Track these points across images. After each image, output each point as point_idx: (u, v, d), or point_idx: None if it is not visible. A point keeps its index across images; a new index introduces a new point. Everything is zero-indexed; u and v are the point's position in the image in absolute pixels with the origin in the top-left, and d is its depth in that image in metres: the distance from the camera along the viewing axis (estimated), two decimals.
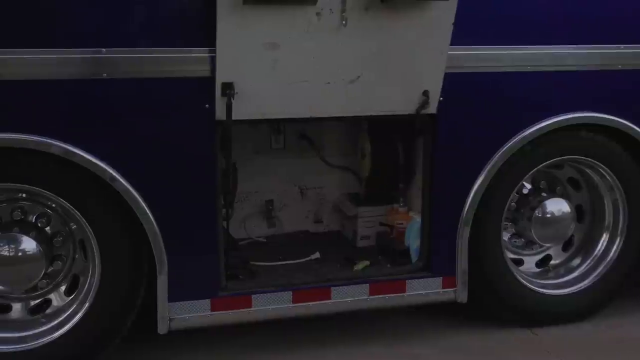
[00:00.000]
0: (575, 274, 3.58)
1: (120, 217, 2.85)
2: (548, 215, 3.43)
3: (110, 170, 2.76)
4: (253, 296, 3.05)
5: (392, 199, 3.52)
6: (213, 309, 3.01)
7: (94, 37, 2.67)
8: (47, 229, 2.98)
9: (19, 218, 2.93)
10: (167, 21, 2.72)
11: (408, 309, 3.32)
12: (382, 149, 3.44)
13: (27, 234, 2.86)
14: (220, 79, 2.73)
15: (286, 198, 3.64)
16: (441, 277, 3.23)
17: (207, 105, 2.81)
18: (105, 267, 2.90)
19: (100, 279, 2.91)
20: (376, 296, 3.16)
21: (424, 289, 3.22)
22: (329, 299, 3.11)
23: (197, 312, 2.97)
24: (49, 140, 2.68)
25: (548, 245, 3.58)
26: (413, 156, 3.36)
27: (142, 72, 2.71)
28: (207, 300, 2.99)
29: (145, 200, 2.82)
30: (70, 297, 3.02)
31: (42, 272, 2.88)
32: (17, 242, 2.83)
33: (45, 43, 2.63)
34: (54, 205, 2.93)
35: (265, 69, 2.75)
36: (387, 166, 3.44)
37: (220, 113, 2.79)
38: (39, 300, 3.04)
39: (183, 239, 2.93)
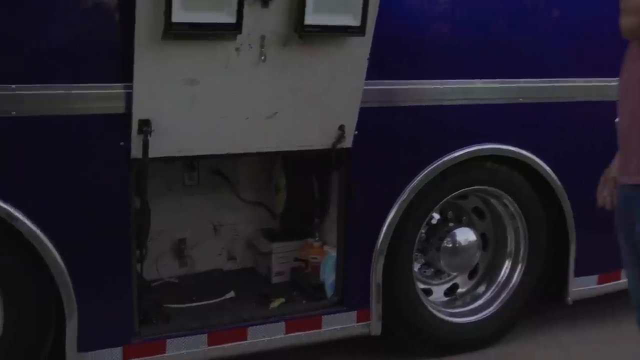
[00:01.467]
0: (481, 301, 3.68)
1: (26, 258, 2.68)
2: (456, 245, 3.54)
3: (11, 209, 2.59)
4: (167, 341, 2.93)
5: (306, 233, 3.51)
6: (126, 357, 2.86)
7: (3, 73, 2.52)
8: None
9: None
10: (81, 56, 2.60)
11: (327, 345, 3.30)
12: (297, 183, 3.43)
13: None
14: (137, 115, 2.64)
15: (199, 236, 3.55)
16: (356, 311, 3.23)
17: (122, 143, 2.70)
18: (9, 313, 2.70)
19: (2, 326, 2.71)
20: (292, 334, 3.12)
21: (339, 324, 3.21)
22: (245, 339, 3.04)
23: None
24: None
25: (455, 274, 3.68)
26: (328, 190, 3.37)
27: (53, 109, 2.58)
28: (119, 348, 2.85)
29: (52, 240, 2.66)
30: None
31: None
32: None
33: None
34: None
35: (183, 105, 2.69)
36: (302, 200, 3.44)
37: (136, 151, 2.69)
38: None
39: (94, 282, 2.78)
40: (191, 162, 3.39)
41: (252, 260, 3.71)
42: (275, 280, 3.52)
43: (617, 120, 3.32)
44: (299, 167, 3.39)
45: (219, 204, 3.54)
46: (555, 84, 3.48)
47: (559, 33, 3.45)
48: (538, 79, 3.44)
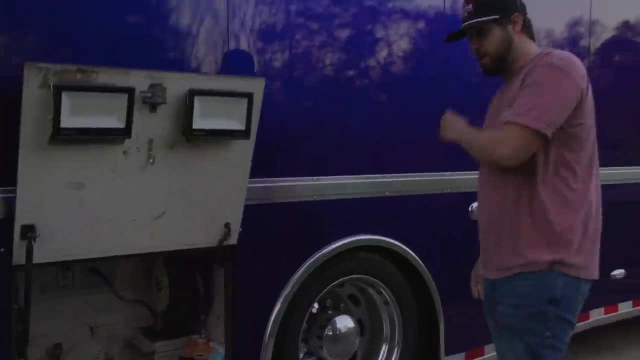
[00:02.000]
0: None
1: None
2: (337, 332, 3.66)
3: None
4: None
5: (189, 330, 3.49)
6: None
7: None
8: None
9: None
10: None
11: None
12: (181, 281, 3.42)
13: None
14: (20, 221, 2.58)
15: (75, 339, 3.42)
16: None
17: (2, 249, 2.62)
18: None
19: None
20: None
21: None
22: None
23: None
24: None
25: None
26: (212, 286, 3.40)
27: None
28: None
29: None
30: None
31: None
32: None
33: None
34: None
35: (70, 209, 2.66)
36: (186, 297, 3.43)
37: (18, 257, 2.61)
38: None
39: None
40: (66, 262, 3.28)
41: None
42: None
43: (471, 209, 3.68)
44: (183, 264, 3.39)
45: (96, 304, 3.44)
46: (415, 178, 3.77)
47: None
48: (401, 174, 3.71)
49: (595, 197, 2.55)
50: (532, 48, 2.63)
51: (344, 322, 3.69)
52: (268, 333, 3.27)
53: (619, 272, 4.74)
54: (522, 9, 2.65)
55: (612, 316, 4.76)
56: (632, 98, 4.81)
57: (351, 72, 3.58)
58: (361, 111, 3.59)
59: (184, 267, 3.41)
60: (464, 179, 3.77)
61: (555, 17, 4.38)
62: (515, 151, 2.41)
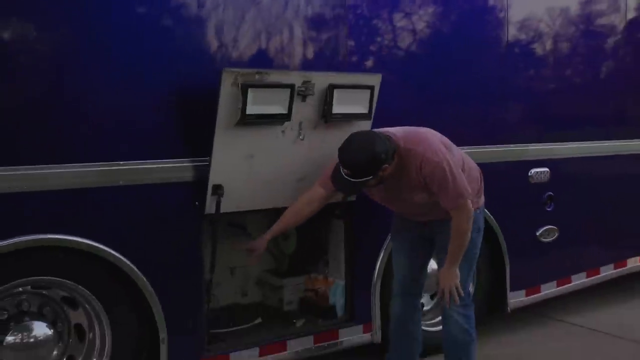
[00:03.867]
0: None
1: None
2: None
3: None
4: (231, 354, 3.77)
5: (309, 271, 4.44)
6: None
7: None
8: None
9: None
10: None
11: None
12: (304, 231, 4.31)
13: None
14: (212, 181, 3.53)
15: (218, 278, 4.33)
16: (362, 325, 4.22)
17: (197, 203, 3.58)
18: None
19: None
20: (319, 344, 4.08)
21: (351, 335, 4.19)
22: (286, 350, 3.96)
23: None
24: None
25: None
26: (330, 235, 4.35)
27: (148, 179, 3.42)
28: None
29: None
30: None
31: None
32: None
33: None
34: None
35: (244, 173, 3.64)
36: (309, 244, 4.39)
37: (209, 208, 3.58)
38: None
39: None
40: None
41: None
42: (286, 308, 4.41)
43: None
44: None
45: (237, 251, 4.27)
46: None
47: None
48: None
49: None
50: (401, 153, 3.45)
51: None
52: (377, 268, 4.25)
53: None
54: (391, 158, 3.41)
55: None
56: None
57: None
58: None
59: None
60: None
61: None
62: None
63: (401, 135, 3.50)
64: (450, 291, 3.62)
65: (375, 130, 3.58)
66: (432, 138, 3.55)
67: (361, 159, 3.33)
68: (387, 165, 3.40)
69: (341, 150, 3.39)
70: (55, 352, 3.43)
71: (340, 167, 3.38)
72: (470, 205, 3.53)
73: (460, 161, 3.68)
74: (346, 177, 3.36)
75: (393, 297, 3.98)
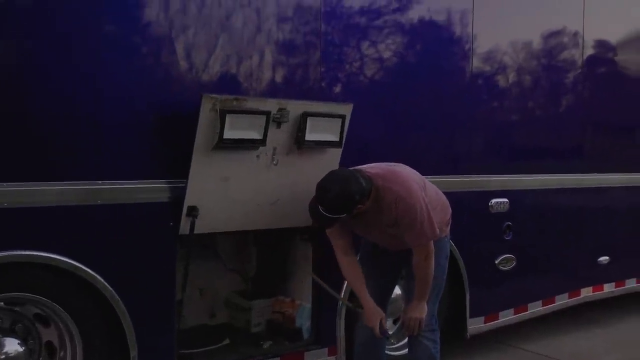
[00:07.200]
0: None
1: None
2: None
3: None
4: None
5: (276, 292, 4.55)
6: None
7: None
8: None
9: None
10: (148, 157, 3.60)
11: None
12: (269, 253, 4.49)
13: None
14: (187, 203, 3.63)
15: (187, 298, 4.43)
16: (327, 348, 4.32)
17: (171, 223, 3.67)
18: None
19: None
20: None
21: (316, 358, 4.28)
22: None
23: None
24: None
25: None
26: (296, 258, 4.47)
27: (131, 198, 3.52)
28: None
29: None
30: None
31: None
32: None
33: None
34: None
35: (219, 196, 3.74)
36: (273, 266, 4.53)
37: (183, 228, 3.67)
38: None
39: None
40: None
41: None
42: (254, 330, 4.49)
43: None
44: (268, 243, 4.46)
45: (206, 272, 4.45)
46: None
47: None
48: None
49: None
50: (379, 190, 3.62)
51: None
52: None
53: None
54: (367, 195, 3.58)
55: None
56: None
57: None
58: None
59: (272, 243, 4.46)
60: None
61: None
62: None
63: (382, 173, 3.71)
64: (414, 324, 3.80)
65: (357, 168, 3.75)
66: (409, 178, 3.76)
67: (336, 199, 3.51)
68: (361, 206, 3.58)
69: (319, 187, 3.57)
70: None
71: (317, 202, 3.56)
72: (432, 247, 3.72)
73: (434, 196, 3.89)
74: (322, 211, 3.53)
75: (359, 321, 4.09)
